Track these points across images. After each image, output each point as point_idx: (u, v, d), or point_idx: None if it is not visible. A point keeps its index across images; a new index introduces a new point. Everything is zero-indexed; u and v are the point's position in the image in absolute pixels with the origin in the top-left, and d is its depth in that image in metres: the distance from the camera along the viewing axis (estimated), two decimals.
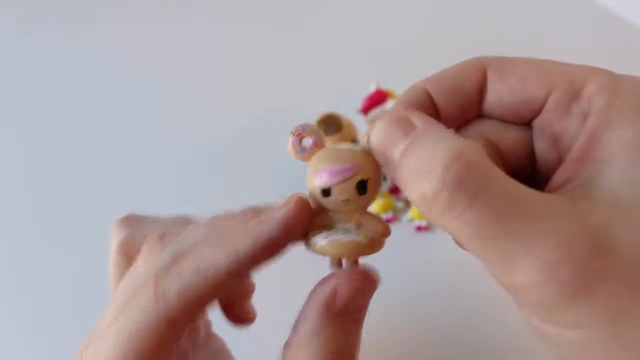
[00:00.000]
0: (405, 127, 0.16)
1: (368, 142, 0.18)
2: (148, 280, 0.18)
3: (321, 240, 0.18)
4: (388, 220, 0.40)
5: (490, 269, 0.16)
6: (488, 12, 0.57)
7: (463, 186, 0.14)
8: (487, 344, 0.35)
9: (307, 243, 0.19)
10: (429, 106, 0.19)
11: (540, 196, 0.15)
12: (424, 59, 0.53)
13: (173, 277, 0.18)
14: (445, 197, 0.15)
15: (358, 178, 0.18)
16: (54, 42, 0.56)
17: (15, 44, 0.56)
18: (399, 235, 0.39)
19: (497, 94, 0.19)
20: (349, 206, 0.18)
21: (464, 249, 0.20)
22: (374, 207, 0.40)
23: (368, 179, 0.18)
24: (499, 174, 0.15)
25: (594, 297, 0.14)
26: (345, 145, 0.18)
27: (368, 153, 0.18)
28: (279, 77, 0.51)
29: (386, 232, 0.19)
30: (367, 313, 0.19)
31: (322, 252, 0.18)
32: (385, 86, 0.44)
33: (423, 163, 0.15)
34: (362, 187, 0.18)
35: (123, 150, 0.46)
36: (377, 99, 0.43)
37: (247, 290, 0.26)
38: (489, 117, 0.20)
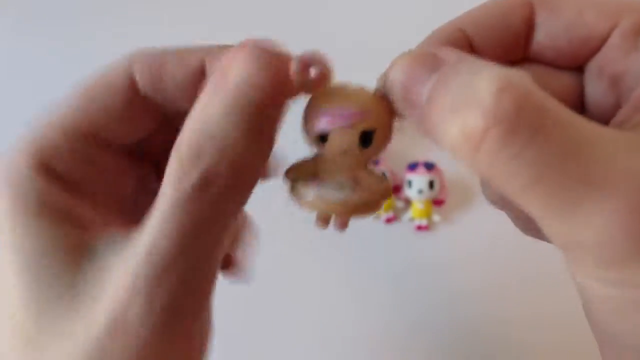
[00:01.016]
0: (434, 62, 0.14)
1: (384, 84, 0.15)
2: None
3: (309, 193, 0.15)
4: (388, 220, 0.40)
5: (550, 224, 0.13)
6: None
7: (522, 118, 0.12)
8: (487, 344, 0.35)
9: (293, 191, 0.16)
10: (466, 47, 0.17)
11: (612, 133, 0.13)
12: None
13: None
14: (498, 133, 0.12)
15: (363, 127, 0.15)
16: (54, 42, 0.56)
17: (15, 45, 0.56)
18: (399, 235, 0.39)
19: (549, 31, 0.16)
20: (348, 159, 0.15)
21: (500, 205, 0.18)
22: None
23: (375, 130, 0.15)
24: (560, 106, 0.12)
25: None
26: (356, 87, 0.16)
27: (382, 98, 0.15)
28: None
29: (386, 193, 0.16)
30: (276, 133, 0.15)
31: (308, 207, 0.15)
32: None
33: (462, 97, 0.12)
34: (366, 139, 0.15)
35: None
36: None
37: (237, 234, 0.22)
38: (536, 59, 0.17)
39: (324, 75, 0.15)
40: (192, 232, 0.13)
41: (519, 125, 0.12)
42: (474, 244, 0.39)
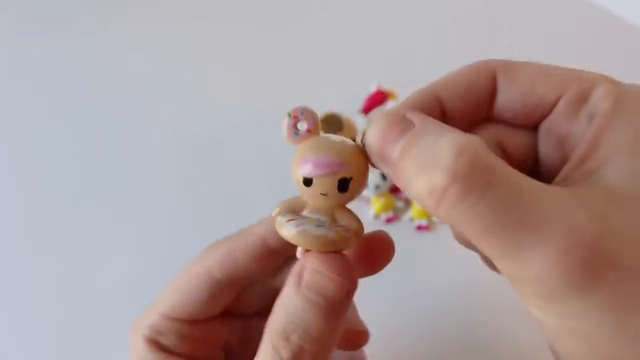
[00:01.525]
0: (403, 125, 0.16)
1: (363, 142, 0.17)
2: None
3: (292, 228, 0.17)
4: (388, 220, 0.40)
5: (499, 262, 0.15)
6: (488, 15, 0.57)
7: (475, 177, 0.14)
8: (487, 344, 0.35)
9: (279, 225, 0.18)
10: (436, 109, 0.19)
11: (547, 187, 0.15)
12: (424, 59, 0.53)
13: None
14: (456, 190, 0.14)
15: (341, 175, 0.17)
16: (54, 42, 0.56)
17: (14, 46, 0.56)
18: (399, 235, 0.39)
19: (508, 97, 0.19)
20: (327, 201, 0.18)
21: (466, 245, 0.20)
22: (375, 207, 0.40)
23: (351, 178, 0.17)
24: (506, 166, 0.15)
25: (603, 284, 0.14)
26: (338, 138, 0.18)
27: (360, 150, 0.18)
28: (279, 77, 0.51)
29: (360, 232, 0.18)
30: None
31: (291, 240, 0.18)
32: (385, 86, 0.44)
33: (426, 158, 0.15)
34: (343, 185, 0.17)
35: (122, 150, 0.46)
36: (378, 99, 0.43)
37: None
38: (498, 119, 0.20)
39: (311, 131, 0.18)
40: None
41: (473, 182, 0.14)
42: None
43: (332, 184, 0.17)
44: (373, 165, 0.18)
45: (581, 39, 0.54)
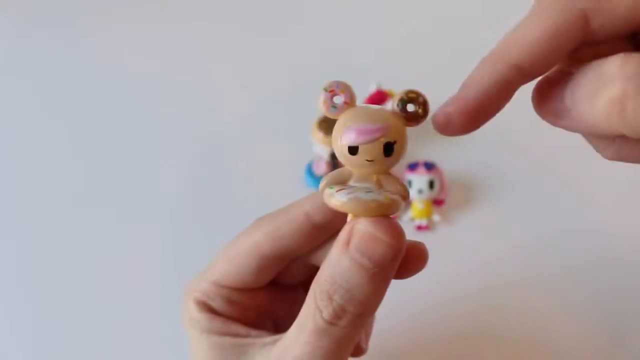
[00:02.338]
0: (562, 80, 0.17)
1: (399, 107, 0.18)
2: None
3: (343, 196, 0.18)
4: None
5: None
6: (490, 12, 0.57)
7: None
8: (487, 344, 0.35)
9: (328, 196, 0.18)
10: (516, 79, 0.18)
11: None
12: (425, 58, 0.53)
13: None
14: (634, 91, 0.15)
15: (385, 140, 0.18)
16: (54, 42, 0.56)
17: (14, 46, 0.56)
18: None
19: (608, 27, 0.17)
20: (373, 167, 0.18)
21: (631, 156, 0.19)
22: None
23: (395, 142, 0.18)
24: None
25: None
26: (375, 106, 0.19)
27: (397, 115, 0.18)
28: (279, 77, 0.51)
29: (406, 195, 0.19)
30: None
31: (342, 209, 0.18)
32: (385, 86, 0.44)
33: (596, 82, 0.16)
34: (388, 149, 0.18)
35: (122, 150, 0.46)
36: (378, 98, 0.43)
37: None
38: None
39: (348, 103, 0.18)
40: (324, 353, 0.18)
41: None
42: (474, 244, 0.39)
43: (378, 149, 0.18)
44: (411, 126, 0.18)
45: None
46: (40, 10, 0.59)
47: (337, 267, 0.18)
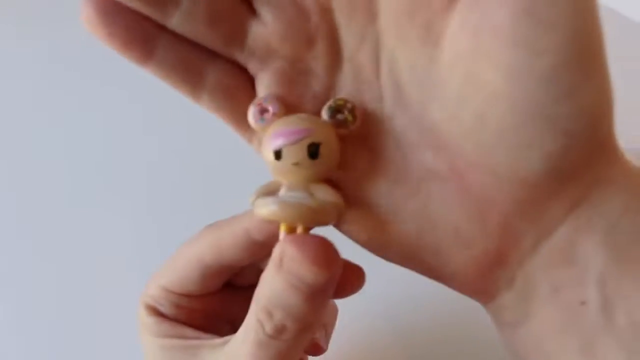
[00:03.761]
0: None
1: (329, 117, 0.18)
2: None
3: (271, 204, 0.17)
4: None
5: None
6: None
7: None
8: (487, 344, 0.35)
9: (256, 207, 0.18)
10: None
11: None
12: None
13: None
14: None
15: (310, 140, 0.17)
16: (53, 43, 0.56)
17: (14, 46, 0.56)
18: None
19: None
20: (300, 172, 0.17)
21: None
22: None
23: (321, 143, 0.17)
24: None
25: None
26: (304, 115, 0.18)
27: (328, 124, 0.18)
28: None
29: (340, 204, 0.18)
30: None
31: (270, 217, 0.17)
32: None
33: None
34: (314, 151, 0.17)
35: (122, 150, 0.46)
36: None
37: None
38: None
39: (276, 114, 0.18)
40: None
41: None
42: None
43: (301, 150, 0.17)
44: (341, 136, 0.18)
45: None
46: (40, 10, 0.59)
47: (272, 286, 0.18)
